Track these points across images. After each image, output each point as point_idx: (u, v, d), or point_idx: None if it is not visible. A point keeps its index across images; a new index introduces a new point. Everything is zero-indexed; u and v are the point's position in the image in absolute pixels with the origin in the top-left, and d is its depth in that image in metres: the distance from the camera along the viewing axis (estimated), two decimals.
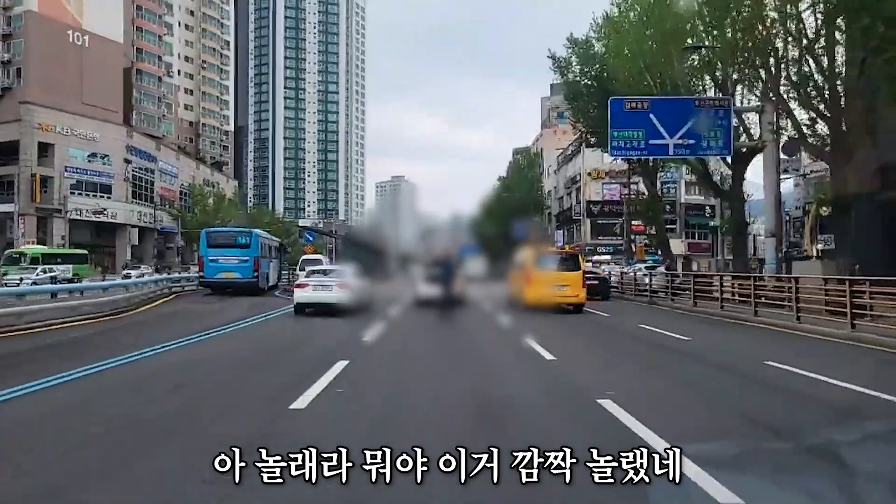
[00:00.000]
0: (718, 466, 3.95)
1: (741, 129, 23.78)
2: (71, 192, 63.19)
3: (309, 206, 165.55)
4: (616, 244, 57.54)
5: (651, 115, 21.79)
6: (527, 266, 18.63)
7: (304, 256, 30.86)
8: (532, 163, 70.07)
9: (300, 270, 28.58)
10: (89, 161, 65.15)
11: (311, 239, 36.65)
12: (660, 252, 36.62)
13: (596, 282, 26.55)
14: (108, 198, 66.88)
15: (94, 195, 65.53)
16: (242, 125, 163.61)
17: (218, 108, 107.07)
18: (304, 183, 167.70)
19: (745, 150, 23.48)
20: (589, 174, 58.26)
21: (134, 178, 70.34)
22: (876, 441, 4.52)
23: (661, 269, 28.04)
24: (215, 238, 29.56)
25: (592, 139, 31.99)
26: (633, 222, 57.93)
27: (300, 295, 18.89)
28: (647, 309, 23.99)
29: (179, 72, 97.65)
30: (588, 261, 35.42)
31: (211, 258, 28.27)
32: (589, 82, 29.38)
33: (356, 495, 3.61)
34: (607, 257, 56.39)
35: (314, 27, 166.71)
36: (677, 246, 55.94)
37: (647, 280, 26.85)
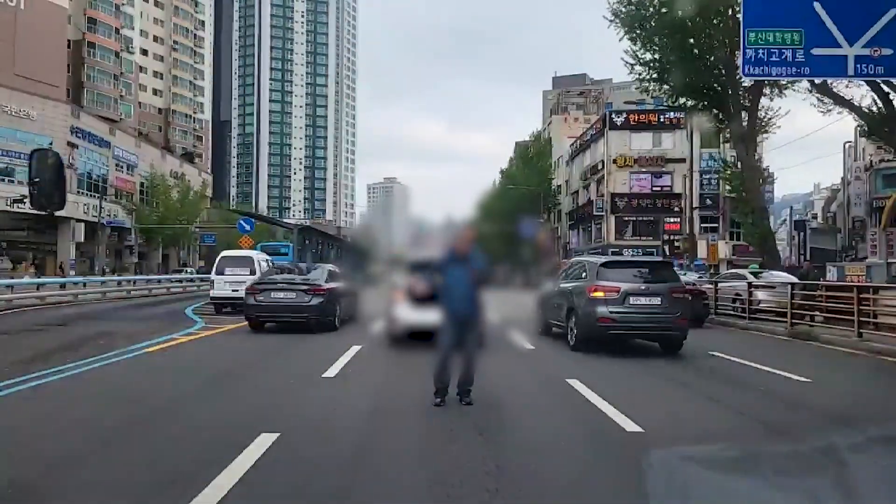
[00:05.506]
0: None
1: None
2: (0, 179, 53.54)
3: (294, 205, 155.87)
4: (646, 245, 47.97)
5: (816, 5, 12.26)
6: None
7: (225, 253, 20.72)
8: (543, 151, 59.82)
9: (216, 275, 18.85)
10: (23, 143, 55.32)
11: (248, 229, 26.52)
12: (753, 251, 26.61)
13: (685, 297, 16.75)
14: None
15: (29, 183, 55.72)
16: (226, 119, 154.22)
17: (190, 94, 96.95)
18: (289, 181, 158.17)
19: None
20: (614, 161, 48.42)
21: (82, 166, 60.57)
22: None
23: (783, 276, 18.11)
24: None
25: (659, 87, 21.74)
26: (667, 219, 48.69)
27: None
28: (774, 343, 14.53)
29: (147, 52, 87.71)
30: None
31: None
32: None
33: None
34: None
35: (302, 16, 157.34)
36: (721, 249, 46.61)
37: (759, 296, 17.06)
